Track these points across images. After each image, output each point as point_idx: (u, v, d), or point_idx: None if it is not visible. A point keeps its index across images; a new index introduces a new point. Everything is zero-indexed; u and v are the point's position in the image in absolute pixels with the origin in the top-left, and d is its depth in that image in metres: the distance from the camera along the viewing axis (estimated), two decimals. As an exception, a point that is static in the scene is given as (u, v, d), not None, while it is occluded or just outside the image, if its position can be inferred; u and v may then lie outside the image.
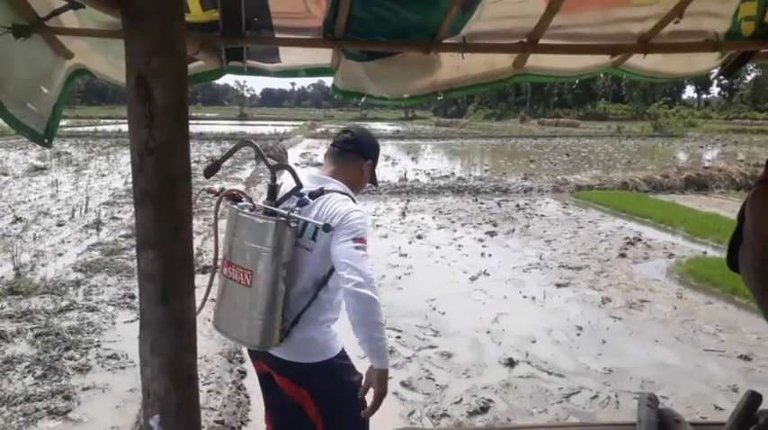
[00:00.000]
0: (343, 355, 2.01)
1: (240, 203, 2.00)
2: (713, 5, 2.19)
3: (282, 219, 1.82)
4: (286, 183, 2.09)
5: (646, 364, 4.13)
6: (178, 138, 1.26)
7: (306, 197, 1.97)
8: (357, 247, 1.85)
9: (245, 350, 4.18)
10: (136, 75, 1.21)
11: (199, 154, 20.44)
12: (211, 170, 2.07)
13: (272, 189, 1.99)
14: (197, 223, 8.72)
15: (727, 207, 10.61)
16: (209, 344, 3.95)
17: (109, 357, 4.07)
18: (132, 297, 5.24)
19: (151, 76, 1.20)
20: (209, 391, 3.33)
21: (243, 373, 3.85)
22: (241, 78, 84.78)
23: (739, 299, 5.40)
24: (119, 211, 9.52)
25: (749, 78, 65.51)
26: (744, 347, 4.39)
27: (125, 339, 4.34)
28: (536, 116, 57.79)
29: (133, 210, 1.32)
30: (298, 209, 1.91)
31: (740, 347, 4.40)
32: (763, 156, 21.67)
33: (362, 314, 1.79)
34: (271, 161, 2.48)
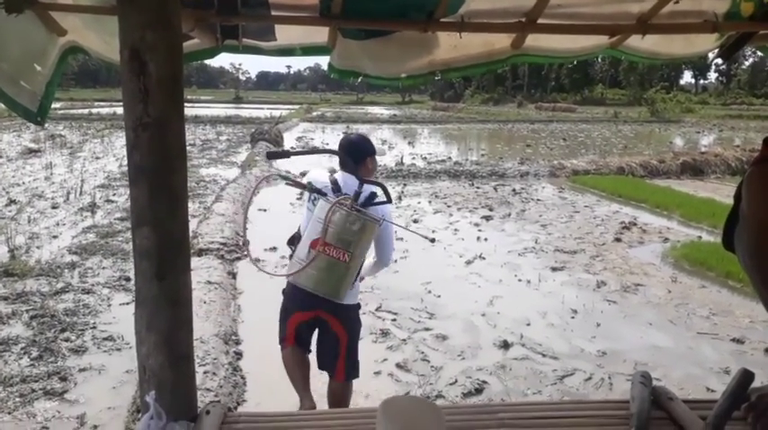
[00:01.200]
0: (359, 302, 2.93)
1: (339, 200, 2.59)
2: (713, -15, 2.17)
3: (376, 220, 2.58)
4: (320, 177, 2.80)
5: (639, 347, 4.17)
6: (173, 113, 1.25)
7: (373, 197, 2.68)
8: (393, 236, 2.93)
9: (243, 331, 4.20)
10: (130, 49, 1.20)
11: (194, 137, 20.34)
12: (275, 155, 2.91)
13: (357, 195, 2.60)
14: (192, 206, 8.70)
15: (723, 192, 10.64)
16: (204, 325, 3.96)
17: (105, 339, 4.08)
18: (128, 279, 5.24)
19: (145, 50, 1.19)
20: (205, 372, 3.34)
21: (239, 355, 3.87)
22: (236, 61, 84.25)
23: (733, 283, 5.43)
24: (114, 194, 9.49)
25: (747, 64, 65.38)
26: (736, 330, 4.43)
27: (121, 321, 4.35)
28: (533, 101, 57.61)
29: (128, 192, 1.32)
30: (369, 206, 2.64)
31: (733, 330, 4.43)
32: (759, 142, 21.66)
33: (381, 269, 3.07)
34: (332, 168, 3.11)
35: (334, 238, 2.54)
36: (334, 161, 3.09)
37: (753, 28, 2.38)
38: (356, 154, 2.82)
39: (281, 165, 11.81)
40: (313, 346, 2.98)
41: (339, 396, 2.93)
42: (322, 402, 2.92)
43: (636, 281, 5.60)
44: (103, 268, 5.61)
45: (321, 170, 2.91)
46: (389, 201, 2.70)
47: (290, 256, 2.85)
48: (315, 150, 3.49)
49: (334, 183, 2.72)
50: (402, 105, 61.90)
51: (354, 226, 2.53)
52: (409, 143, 20.84)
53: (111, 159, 13.92)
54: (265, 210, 8.55)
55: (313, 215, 2.67)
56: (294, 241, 2.87)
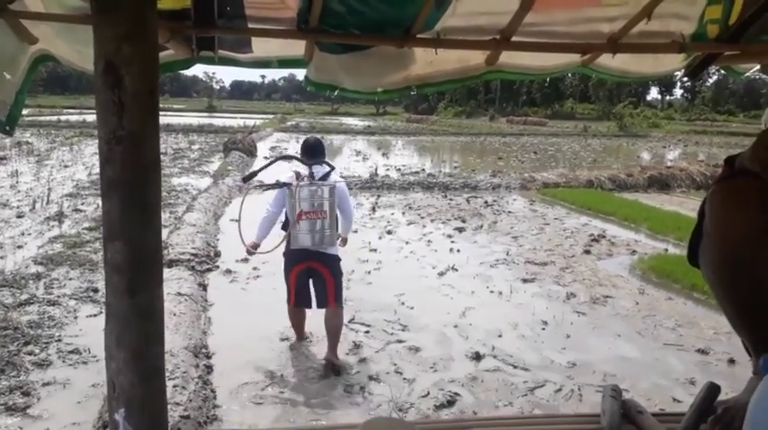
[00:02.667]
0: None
1: (296, 178, 3.77)
2: (680, 7, 2.25)
3: (332, 184, 3.79)
4: (294, 169, 3.96)
5: (608, 358, 4.23)
6: (148, 126, 1.24)
7: (326, 173, 3.92)
8: (351, 199, 4.25)
9: (214, 344, 4.14)
10: (105, 61, 1.19)
11: (166, 146, 20.05)
12: (249, 177, 4.14)
13: (312, 175, 3.83)
14: (163, 216, 8.57)
15: (688, 206, 10.91)
16: (174, 338, 3.89)
17: (70, 352, 3.98)
18: (96, 290, 5.13)
19: (121, 63, 1.18)
20: (174, 386, 3.28)
21: (209, 368, 3.81)
22: (210, 70, 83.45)
23: (698, 295, 5.56)
24: (82, 203, 9.28)
25: (711, 81, 67.43)
26: (701, 342, 4.53)
27: (88, 333, 4.25)
28: (505, 114, 58.37)
29: (98, 201, 1.30)
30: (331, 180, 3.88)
31: (698, 342, 4.53)
32: (723, 157, 22.30)
33: (351, 224, 4.29)
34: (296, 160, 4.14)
35: (309, 206, 3.68)
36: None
37: (718, 49, 2.47)
38: (313, 151, 4.07)
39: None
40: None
41: (333, 319, 3.97)
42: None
43: (605, 292, 5.69)
44: (70, 279, 5.48)
45: (289, 172, 4.00)
46: (333, 169, 4.04)
47: (288, 235, 3.86)
48: (277, 158, 4.66)
49: (296, 173, 3.87)
50: (376, 117, 62.08)
51: (319, 193, 3.72)
52: (383, 154, 20.90)
53: (81, 168, 13.63)
54: (238, 221, 8.44)
55: (290, 199, 3.78)
56: (286, 226, 3.97)
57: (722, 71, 3.02)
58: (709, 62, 2.56)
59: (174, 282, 5.13)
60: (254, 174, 4.05)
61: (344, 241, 4.26)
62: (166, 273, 5.39)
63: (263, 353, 4.12)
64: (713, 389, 1.35)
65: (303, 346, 4.28)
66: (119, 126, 1.18)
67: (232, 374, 3.76)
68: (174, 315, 4.34)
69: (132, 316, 1.27)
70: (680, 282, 5.88)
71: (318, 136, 6.08)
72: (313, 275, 3.95)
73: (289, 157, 4.32)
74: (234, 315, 4.85)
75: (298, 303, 4.09)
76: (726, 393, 1.63)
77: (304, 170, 3.90)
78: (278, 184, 3.92)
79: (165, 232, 7.09)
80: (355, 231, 8.04)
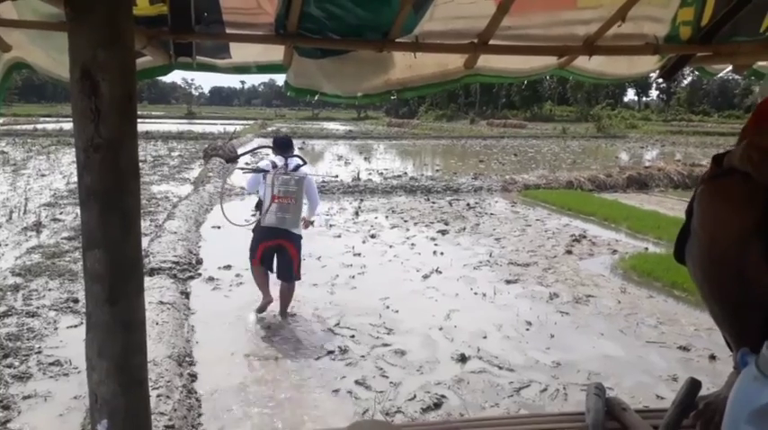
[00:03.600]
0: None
1: (272, 167, 4.56)
2: (654, 10, 2.29)
3: (303, 176, 4.55)
4: (271, 159, 4.72)
5: (592, 357, 4.27)
6: (126, 133, 1.22)
7: (298, 165, 4.68)
8: (317, 187, 4.95)
9: (197, 352, 4.10)
10: (81, 68, 1.17)
11: (145, 153, 19.85)
12: (232, 159, 7.88)
13: (286, 166, 4.59)
14: (143, 224, 8.47)
15: (666, 205, 11.08)
16: (157, 347, 3.85)
17: (51, 364, 3.91)
18: (76, 301, 5.05)
19: (97, 70, 1.16)
20: (158, 396, 3.24)
21: (193, 377, 3.77)
22: (189, 76, 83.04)
23: (678, 292, 5.65)
24: (60, 213, 9.15)
25: (685, 82, 68.57)
26: (683, 338, 4.59)
27: (68, 345, 4.18)
28: (485, 117, 58.78)
29: (76, 211, 1.28)
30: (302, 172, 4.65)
31: (679, 338, 4.60)
32: (699, 156, 22.75)
33: (316, 209, 5.04)
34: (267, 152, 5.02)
35: (281, 192, 4.46)
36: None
37: (691, 50, 2.51)
38: (286, 146, 4.87)
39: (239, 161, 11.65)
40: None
41: (289, 290, 4.87)
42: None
43: (587, 292, 5.75)
44: (50, 290, 5.39)
45: (265, 161, 4.77)
46: (305, 163, 4.77)
47: (260, 212, 4.62)
48: (256, 148, 5.68)
49: (273, 163, 4.65)
50: (358, 121, 62.14)
51: (291, 181, 4.48)
52: (365, 159, 20.92)
53: (58, 177, 13.43)
54: (219, 228, 8.40)
55: (266, 184, 4.50)
56: (260, 205, 4.70)
57: (696, 72, 3.08)
58: (682, 63, 2.61)
59: (156, 290, 5.08)
60: (238, 157, 5.45)
61: (307, 224, 5.06)
62: (148, 281, 5.33)
63: (246, 362, 4.10)
64: (694, 385, 1.37)
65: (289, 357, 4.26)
66: (96, 134, 1.16)
67: (216, 382, 3.73)
68: (157, 324, 4.29)
69: (113, 325, 1.25)
70: (660, 280, 5.96)
71: (300, 141, 6.32)
72: (279, 250, 4.73)
73: (268, 147, 5.13)
74: (217, 322, 4.80)
75: (262, 263, 4.82)
76: (707, 388, 1.66)
77: (280, 161, 4.67)
78: (257, 170, 4.75)
79: (145, 240, 7.02)
80: (339, 236, 8.07)
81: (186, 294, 5.40)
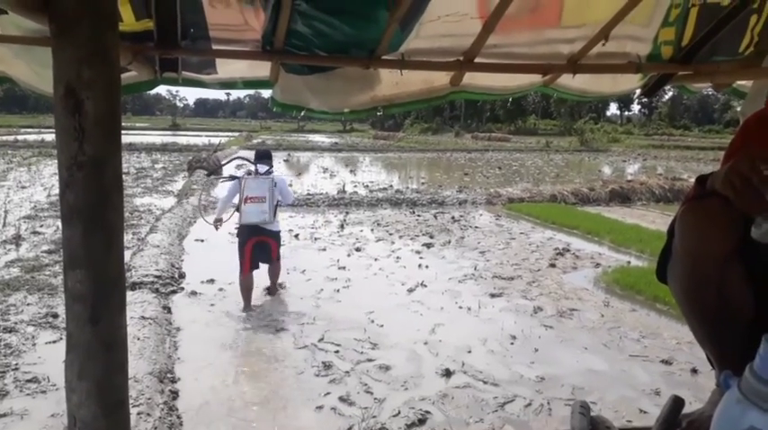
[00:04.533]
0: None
1: (246, 174, 5.36)
2: (636, 29, 2.33)
3: (271, 178, 5.39)
4: (248, 169, 5.52)
5: (576, 371, 4.28)
6: (110, 151, 1.21)
7: (268, 171, 5.48)
8: (290, 188, 6.02)
9: (180, 368, 4.04)
10: (65, 85, 1.16)
11: (128, 165, 19.69)
12: (214, 172, 8.97)
13: (256, 171, 5.39)
14: (126, 237, 8.38)
15: (648, 218, 11.21)
16: (138, 364, 3.79)
17: (28, 381, 3.83)
18: (55, 316, 4.96)
19: (81, 88, 1.15)
20: (138, 414, 3.19)
21: (175, 394, 3.71)
22: (174, 88, 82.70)
23: (660, 306, 5.70)
24: (41, 226, 9.01)
25: (667, 97, 69.74)
26: (665, 352, 4.63)
27: (46, 361, 4.10)
28: (470, 131, 59.19)
29: (57, 224, 1.26)
30: (270, 176, 5.46)
31: (662, 352, 4.63)
32: (680, 170, 23.10)
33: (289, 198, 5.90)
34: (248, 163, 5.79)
35: (253, 193, 5.26)
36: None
37: (672, 69, 2.57)
38: (260, 156, 5.76)
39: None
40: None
41: (274, 268, 5.83)
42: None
43: (571, 305, 5.78)
44: (28, 304, 5.29)
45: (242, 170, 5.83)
46: (271, 170, 5.59)
47: (238, 210, 5.40)
48: (234, 158, 6.47)
49: (248, 171, 5.45)
50: (343, 134, 62.23)
51: (261, 184, 5.32)
52: (351, 171, 20.93)
53: (39, 189, 13.24)
54: (203, 241, 8.34)
55: (241, 189, 5.29)
56: (239, 208, 5.36)
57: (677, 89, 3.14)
58: (664, 82, 2.66)
59: (138, 305, 5.01)
60: (219, 168, 6.55)
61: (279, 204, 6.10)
62: (130, 296, 5.26)
63: (231, 371, 4.05)
64: (678, 403, 1.38)
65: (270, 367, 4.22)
66: (79, 151, 1.15)
67: (198, 399, 3.67)
68: (138, 339, 4.23)
69: (95, 346, 1.23)
70: (643, 294, 6.01)
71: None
72: (263, 247, 5.54)
73: (243, 158, 6.19)
74: (200, 337, 4.75)
75: (251, 270, 5.49)
76: (690, 402, 1.67)
77: (252, 168, 5.51)
78: (231, 178, 5.67)
79: (127, 254, 6.94)
80: (324, 249, 8.04)
81: (168, 309, 5.33)
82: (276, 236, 5.63)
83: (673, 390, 3.81)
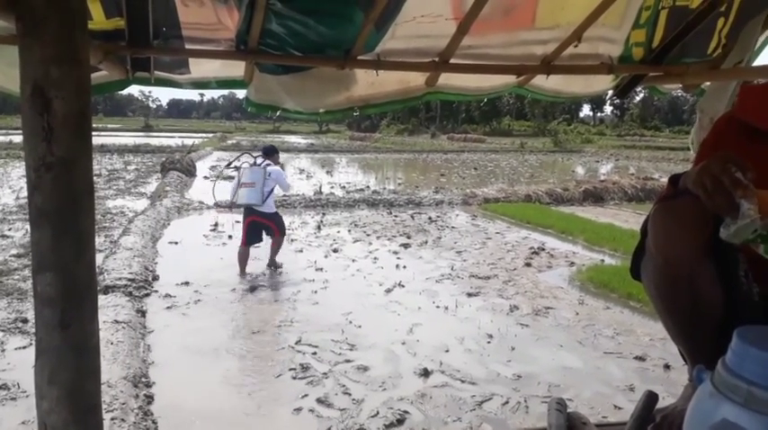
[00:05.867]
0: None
1: (246, 165, 6.54)
2: (608, 31, 2.37)
3: (264, 169, 6.45)
4: (251, 161, 6.64)
5: (552, 369, 4.33)
6: (80, 152, 1.18)
7: (266, 164, 6.56)
8: (287, 180, 6.99)
9: (156, 372, 3.98)
10: (32, 85, 1.13)
11: (100, 167, 19.36)
12: (227, 165, 7.60)
13: (255, 163, 6.55)
14: (98, 240, 8.22)
15: (621, 217, 11.40)
16: (112, 368, 3.73)
17: (-3, 388, 3.73)
18: (25, 321, 4.85)
19: (50, 87, 1.12)
20: (112, 419, 3.13)
21: (150, 398, 3.65)
22: (146, 88, 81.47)
23: (634, 303, 5.79)
24: (9, 229, 8.79)
25: (638, 99, 70.97)
26: (639, 348, 4.71)
27: (16, 367, 4.00)
28: (446, 132, 59.46)
29: (26, 227, 1.23)
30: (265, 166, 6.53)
31: (635, 349, 4.71)
32: (651, 170, 23.54)
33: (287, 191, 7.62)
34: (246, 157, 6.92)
35: (247, 180, 6.36)
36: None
37: (643, 70, 2.61)
38: (265, 151, 6.82)
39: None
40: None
41: (277, 242, 6.84)
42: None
43: (546, 304, 5.84)
44: (-5, 310, 5.16)
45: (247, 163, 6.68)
46: (268, 162, 6.62)
47: (234, 194, 6.53)
48: (242, 154, 7.46)
49: (253, 162, 6.58)
50: (319, 134, 62.04)
51: (254, 173, 6.38)
52: (327, 172, 20.87)
53: (7, 191, 12.92)
54: (177, 243, 8.23)
55: (238, 177, 6.49)
56: (234, 193, 6.54)
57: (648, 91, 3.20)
58: (635, 83, 2.70)
59: (111, 309, 4.93)
60: (229, 164, 7.17)
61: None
62: (102, 299, 5.17)
63: (207, 378, 4.00)
64: (652, 398, 1.40)
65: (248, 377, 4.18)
66: (48, 152, 1.12)
67: (174, 402, 3.62)
68: (112, 344, 4.16)
69: (65, 351, 1.20)
70: (616, 292, 6.10)
71: (260, 154, 6.58)
72: (264, 227, 6.66)
73: (248, 153, 7.35)
74: (175, 340, 4.68)
75: (247, 244, 6.69)
76: (663, 397, 1.70)
77: (252, 160, 6.62)
78: (236, 168, 6.73)
79: (100, 257, 6.81)
80: (300, 251, 8.00)
81: (142, 312, 5.25)
82: (271, 216, 6.59)
83: (646, 386, 3.88)
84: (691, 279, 1.31)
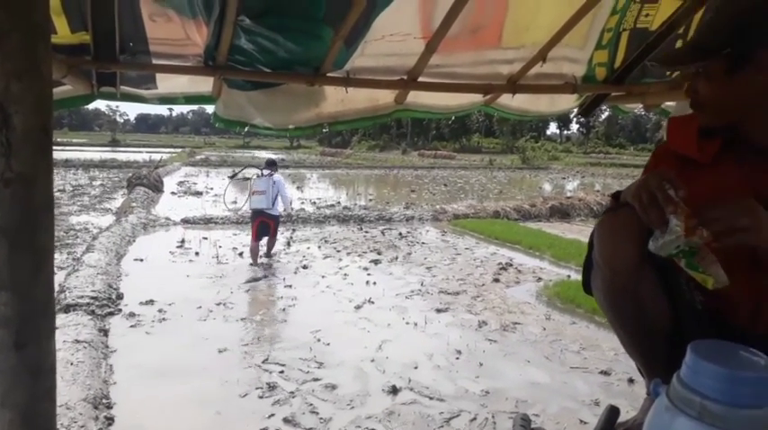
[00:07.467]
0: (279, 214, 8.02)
1: (256, 176, 8.01)
2: (572, 51, 2.44)
3: (271, 178, 7.92)
4: (257, 172, 8.15)
5: (519, 384, 4.36)
6: (40, 168, 1.16)
7: (270, 173, 7.99)
8: (287, 191, 8.43)
9: (117, 393, 3.87)
10: (-9, 99, 1.11)
11: (64, 182, 18.93)
12: (234, 175, 11.91)
13: (262, 173, 7.95)
14: (60, 257, 8.02)
15: (587, 233, 11.37)
16: (71, 390, 3.61)
17: (-52, 411, 3.58)
18: (-21, 341, 4.67)
19: (9, 101, 1.10)
20: (71, 442, 3.03)
21: (110, 420, 3.55)
22: (114, 103, 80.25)
23: (599, 318, 5.88)
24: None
25: (603, 117, 72.79)
26: (604, 363, 4.77)
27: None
28: (416, 148, 59.98)
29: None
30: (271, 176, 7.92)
31: (601, 363, 4.77)
32: (616, 187, 23.99)
33: (287, 203, 8.51)
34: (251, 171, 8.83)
35: (258, 188, 7.82)
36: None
37: (606, 90, 2.69)
38: (268, 164, 8.25)
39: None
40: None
41: (271, 241, 8.27)
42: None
43: (514, 319, 5.89)
44: (-51, 329, 4.96)
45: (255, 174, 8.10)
46: (272, 174, 7.98)
47: (248, 200, 8.12)
48: (246, 167, 10.00)
49: (259, 173, 7.95)
50: (290, 150, 61.85)
51: (263, 182, 7.83)
52: (298, 188, 20.77)
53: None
54: (142, 260, 8.07)
55: (250, 185, 8.02)
56: (248, 197, 8.05)
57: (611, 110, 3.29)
58: (598, 102, 2.78)
59: (72, 328, 4.79)
60: (236, 174, 9.75)
61: (288, 214, 9.90)
62: (63, 318, 5.02)
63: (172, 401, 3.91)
64: (613, 412, 1.42)
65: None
66: (7, 168, 1.10)
67: (135, 424, 3.53)
68: (72, 364, 4.03)
69: (20, 372, 1.17)
70: (582, 307, 6.19)
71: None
72: (265, 225, 7.99)
73: (251, 166, 8.43)
74: (139, 360, 4.57)
75: (257, 239, 8.04)
76: (626, 411, 1.73)
77: (259, 172, 7.97)
78: (243, 178, 8.22)
79: (62, 274, 6.64)
80: (269, 267, 7.93)
81: (105, 331, 5.11)
82: (274, 218, 8.04)
83: (611, 400, 3.93)
84: (636, 289, 1.35)
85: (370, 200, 17.78)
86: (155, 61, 1.98)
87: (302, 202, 15.42)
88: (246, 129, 2.35)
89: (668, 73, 2.61)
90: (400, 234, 11.10)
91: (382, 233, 11.20)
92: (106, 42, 1.80)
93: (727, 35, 1.23)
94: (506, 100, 2.59)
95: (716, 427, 0.85)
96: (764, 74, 1.21)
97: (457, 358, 4.85)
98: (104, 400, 3.75)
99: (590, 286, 1.49)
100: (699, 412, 0.87)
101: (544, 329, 5.63)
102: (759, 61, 1.21)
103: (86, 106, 2.19)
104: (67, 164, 26.33)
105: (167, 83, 2.15)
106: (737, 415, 0.85)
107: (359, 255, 8.97)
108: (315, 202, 15.76)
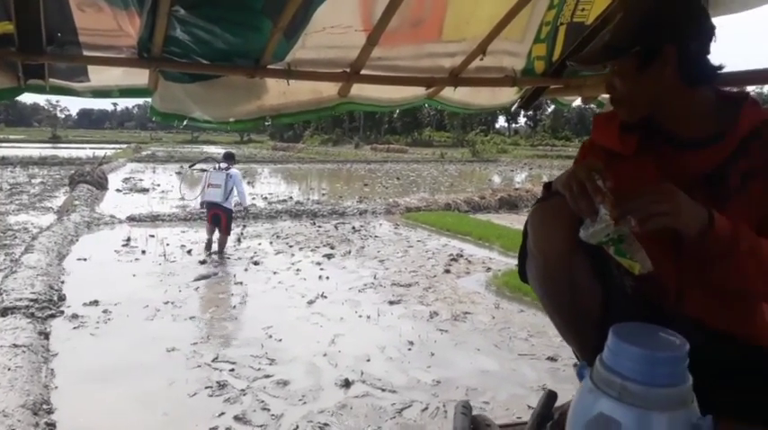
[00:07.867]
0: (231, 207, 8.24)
1: (212, 168, 8.21)
2: (511, 45, 2.48)
3: (227, 172, 8.10)
4: (215, 165, 8.32)
5: (470, 373, 4.44)
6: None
7: (227, 167, 8.19)
8: (244, 186, 8.75)
9: (59, 398, 3.73)
10: None
11: (1, 180, 18.07)
12: (192, 165, 12.46)
13: (219, 167, 8.15)
14: (-5, 258, 7.66)
15: (536, 224, 11.86)
16: (8, 396, 3.47)
17: None
18: None
19: None
20: (9, 451, 2.91)
21: (51, 426, 3.42)
22: (53, 97, 76.86)
23: (546, 306, 6.04)
24: None
25: (549, 110, 74.57)
26: (550, 349, 4.91)
27: None
28: (369, 142, 59.97)
29: None
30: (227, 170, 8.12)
31: (547, 350, 4.91)
32: (563, 179, 24.68)
33: (244, 198, 8.55)
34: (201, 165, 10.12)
35: (213, 181, 7.98)
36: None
37: (545, 83, 2.75)
38: (225, 157, 8.41)
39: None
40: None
41: (222, 238, 8.32)
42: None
43: (464, 309, 5.99)
44: None
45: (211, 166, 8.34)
46: (229, 167, 8.18)
47: (201, 193, 8.22)
48: (206, 158, 9.94)
49: (215, 167, 8.15)
50: (240, 144, 60.81)
51: (219, 176, 8.00)
52: (249, 183, 20.44)
53: None
54: (85, 260, 7.80)
55: (205, 179, 8.18)
56: (203, 189, 8.16)
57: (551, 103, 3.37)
58: (538, 95, 2.84)
59: (9, 332, 4.59)
60: (194, 164, 10.63)
61: (245, 209, 9.25)
62: (0, 323, 4.80)
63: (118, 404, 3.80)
64: (550, 397, 1.47)
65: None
66: None
67: (80, 428, 3.42)
68: (9, 369, 3.87)
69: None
70: (529, 295, 6.34)
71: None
72: (217, 217, 8.09)
73: (210, 159, 9.14)
74: (81, 364, 4.42)
75: (211, 222, 8.22)
76: (572, 395, 1.79)
77: (216, 165, 8.15)
78: (202, 170, 7.88)
79: (-3, 277, 6.36)
80: (219, 264, 7.79)
81: (46, 334, 4.92)
82: (227, 211, 8.07)
83: (558, 385, 4.06)
84: (569, 275, 1.39)
85: (324, 194, 17.70)
86: (86, 53, 1.90)
87: (253, 198, 15.19)
88: (186, 123, 2.29)
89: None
90: (353, 228, 11.10)
91: (335, 227, 11.17)
92: (31, 33, 1.71)
93: (636, 34, 1.32)
94: (449, 93, 2.61)
95: (635, 406, 0.89)
96: (671, 67, 1.29)
97: (409, 349, 4.89)
98: (45, 406, 3.62)
99: (526, 274, 1.53)
100: (619, 392, 0.91)
101: (493, 318, 5.74)
102: (665, 56, 1.29)
103: (24, 101, 2.09)
104: (4, 161, 25.17)
105: (100, 75, 2.07)
106: (655, 393, 0.89)
107: (312, 250, 8.93)
108: (266, 197, 15.57)
